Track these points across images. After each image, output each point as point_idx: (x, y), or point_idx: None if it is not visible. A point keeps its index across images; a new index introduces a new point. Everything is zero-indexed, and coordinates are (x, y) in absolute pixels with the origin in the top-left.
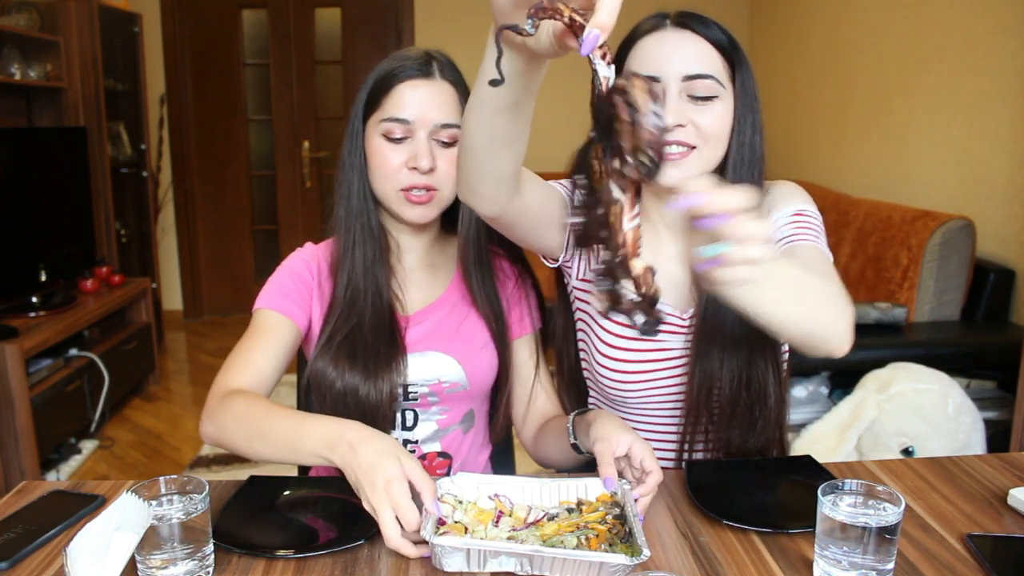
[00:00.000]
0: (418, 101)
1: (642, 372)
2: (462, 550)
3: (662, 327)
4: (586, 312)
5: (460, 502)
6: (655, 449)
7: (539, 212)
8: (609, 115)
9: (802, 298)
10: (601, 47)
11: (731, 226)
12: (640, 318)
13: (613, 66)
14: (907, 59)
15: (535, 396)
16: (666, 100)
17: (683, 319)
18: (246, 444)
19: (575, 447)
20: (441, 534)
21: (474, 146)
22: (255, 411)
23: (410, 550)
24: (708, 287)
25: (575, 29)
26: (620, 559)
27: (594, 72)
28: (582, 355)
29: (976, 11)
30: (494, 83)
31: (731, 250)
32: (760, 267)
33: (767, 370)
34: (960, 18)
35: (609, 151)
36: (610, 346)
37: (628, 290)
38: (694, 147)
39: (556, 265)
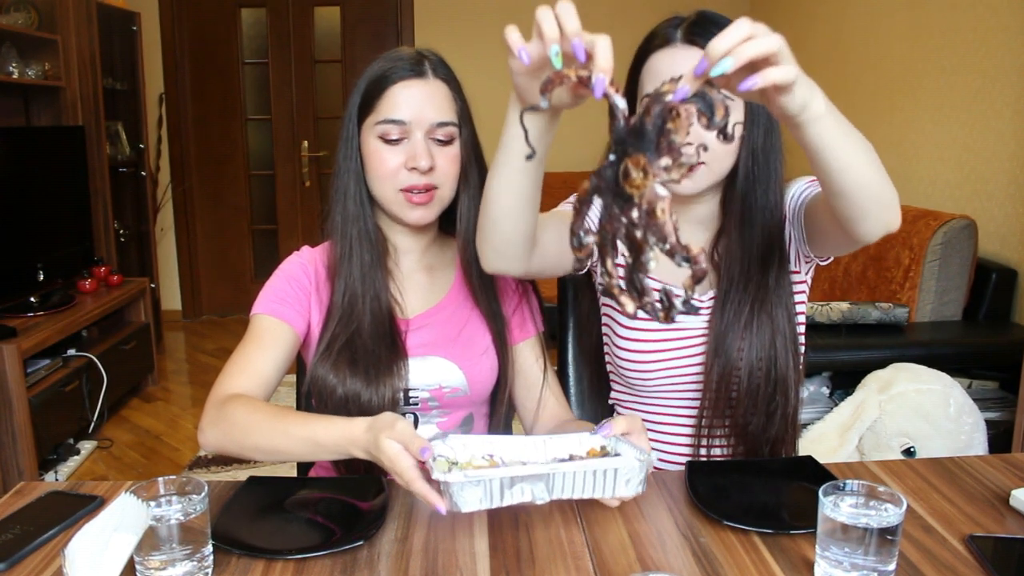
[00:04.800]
0: (413, 101)
1: (661, 352)
2: (478, 484)
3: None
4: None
5: (455, 463)
6: (673, 436)
7: (561, 244)
8: (651, 129)
9: (872, 157)
10: (612, 84)
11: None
12: (678, 302)
13: (624, 99)
14: (909, 58)
15: (545, 400)
16: None
17: (702, 301)
18: (252, 447)
19: None
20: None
21: (500, 213)
22: (258, 416)
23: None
24: (773, 108)
25: (584, 82)
26: (631, 462)
27: (613, 106)
28: (604, 340)
29: (978, 11)
30: (530, 157)
31: (749, 47)
32: (793, 66)
33: (787, 355)
34: (962, 17)
35: (656, 155)
36: (629, 328)
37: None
38: (702, 163)
39: (584, 271)
